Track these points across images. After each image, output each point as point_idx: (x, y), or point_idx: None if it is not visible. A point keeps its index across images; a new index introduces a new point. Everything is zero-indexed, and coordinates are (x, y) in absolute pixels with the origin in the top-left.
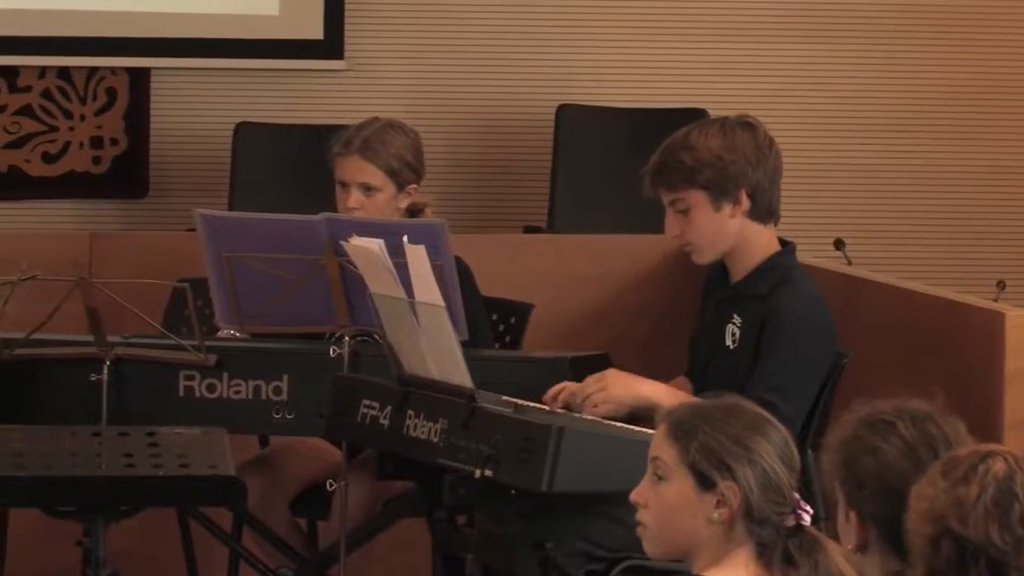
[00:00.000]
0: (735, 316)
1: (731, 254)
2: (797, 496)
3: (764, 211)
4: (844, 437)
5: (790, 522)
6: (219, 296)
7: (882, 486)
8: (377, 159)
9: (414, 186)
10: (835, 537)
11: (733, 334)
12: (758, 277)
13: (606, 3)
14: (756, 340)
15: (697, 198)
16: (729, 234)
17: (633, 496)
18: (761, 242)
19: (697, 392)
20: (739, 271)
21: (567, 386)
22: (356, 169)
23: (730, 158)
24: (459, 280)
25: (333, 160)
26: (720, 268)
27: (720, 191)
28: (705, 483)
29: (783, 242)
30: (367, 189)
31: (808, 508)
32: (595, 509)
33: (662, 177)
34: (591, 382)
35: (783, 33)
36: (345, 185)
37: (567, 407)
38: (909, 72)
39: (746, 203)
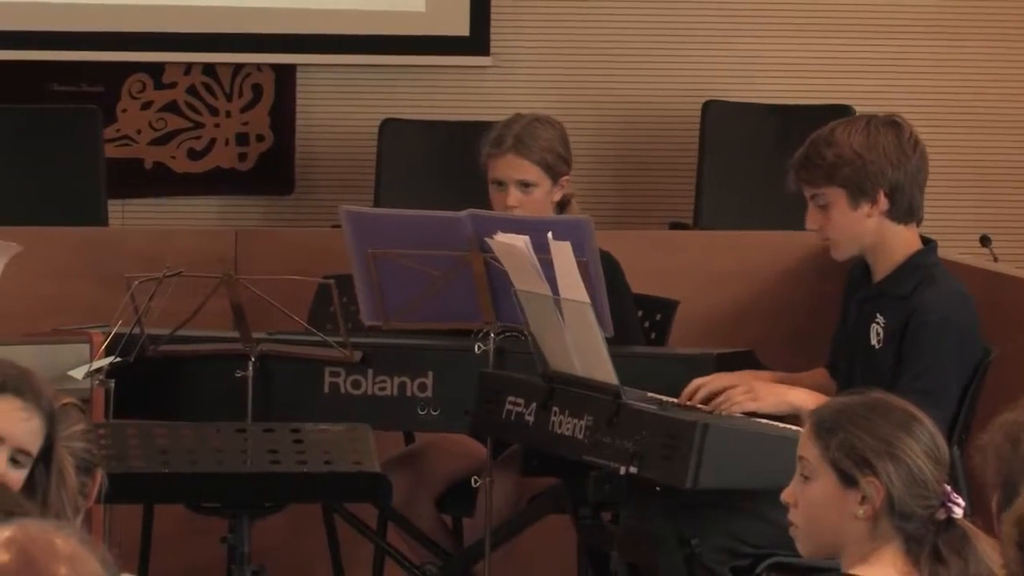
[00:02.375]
0: (878, 316)
1: (871, 253)
2: (948, 488)
3: (904, 211)
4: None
5: (940, 515)
6: (364, 292)
7: None
8: (531, 155)
9: (567, 177)
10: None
11: (877, 333)
12: (900, 276)
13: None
14: (900, 340)
15: (836, 195)
16: (866, 232)
17: (783, 496)
18: (902, 241)
19: (841, 390)
20: (881, 270)
21: (704, 384)
22: (512, 167)
23: (870, 157)
24: (608, 275)
25: (485, 160)
26: (863, 267)
27: (858, 190)
28: (847, 480)
29: (925, 240)
30: (524, 186)
31: (959, 500)
32: (740, 505)
33: (804, 172)
34: (739, 392)
35: (931, 29)
36: (501, 184)
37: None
38: None
39: (884, 203)
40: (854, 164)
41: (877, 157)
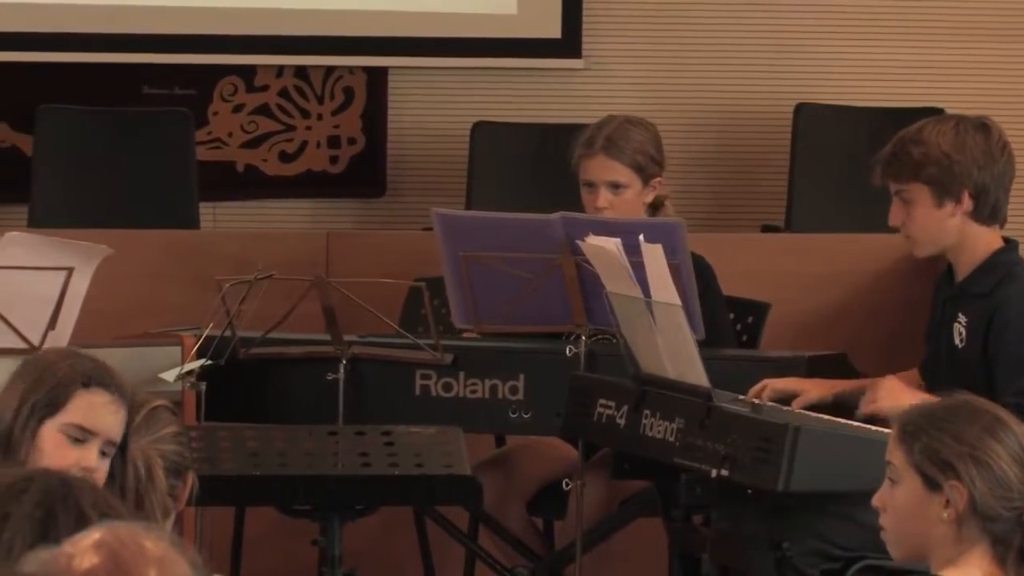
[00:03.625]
0: (960, 315)
1: (953, 253)
2: None
3: (987, 213)
4: None
5: None
6: (456, 295)
7: None
8: (622, 156)
9: (658, 179)
10: None
11: (960, 333)
12: (981, 275)
13: (845, 1)
14: (983, 339)
15: (920, 192)
16: (948, 232)
17: (874, 501)
18: (983, 242)
19: (930, 390)
20: (962, 270)
21: (769, 384)
22: (602, 168)
23: (957, 158)
24: (700, 278)
25: (576, 162)
26: (948, 267)
27: (943, 189)
28: (931, 484)
29: (1005, 240)
30: (615, 187)
31: None
32: (831, 508)
33: (890, 167)
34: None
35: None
36: (592, 185)
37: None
38: None
39: (968, 204)
40: (941, 163)
41: (964, 158)
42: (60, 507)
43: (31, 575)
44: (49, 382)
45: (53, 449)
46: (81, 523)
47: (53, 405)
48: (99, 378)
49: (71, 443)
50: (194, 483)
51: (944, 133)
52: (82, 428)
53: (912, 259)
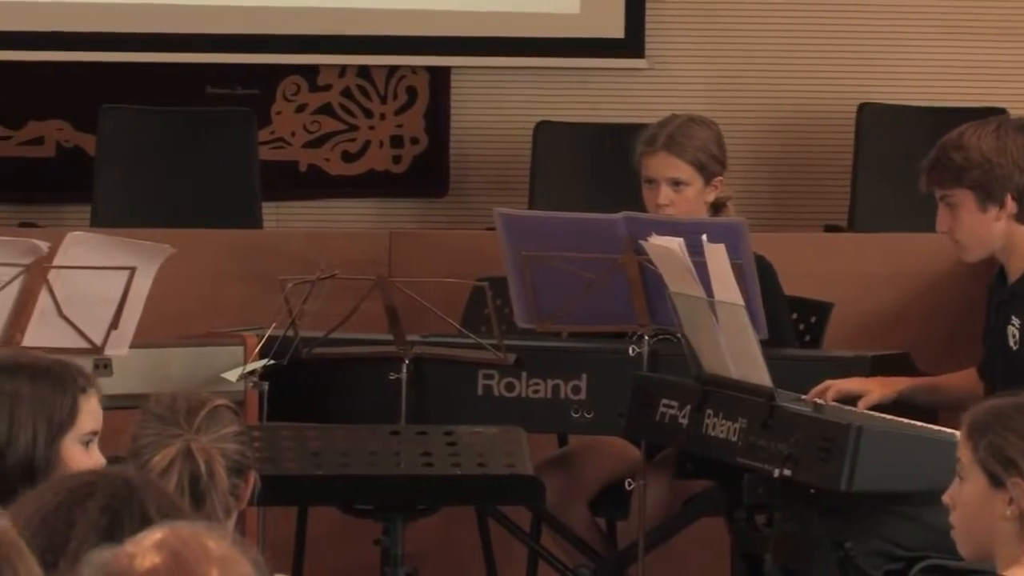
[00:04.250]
0: (1013, 317)
1: (1003, 255)
2: None
3: None
4: None
5: None
6: (518, 295)
7: None
8: (684, 153)
9: (720, 178)
10: None
11: (1014, 336)
12: None
13: (908, 1)
14: None
15: (964, 197)
16: (994, 235)
17: (944, 497)
18: None
19: (988, 391)
20: (1013, 272)
21: (833, 385)
22: (664, 165)
23: (998, 161)
24: (762, 278)
25: (638, 159)
26: (1000, 269)
27: (986, 193)
28: (995, 481)
29: None
30: (676, 184)
31: None
32: (894, 508)
33: (933, 173)
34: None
35: None
36: (653, 182)
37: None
38: None
39: (1012, 207)
40: (982, 167)
41: (1005, 161)
42: (125, 511)
43: (93, 575)
44: (58, 398)
45: (77, 460)
46: (146, 526)
47: (70, 419)
48: (87, 378)
49: (84, 448)
50: (256, 482)
51: (985, 137)
52: (93, 432)
53: None
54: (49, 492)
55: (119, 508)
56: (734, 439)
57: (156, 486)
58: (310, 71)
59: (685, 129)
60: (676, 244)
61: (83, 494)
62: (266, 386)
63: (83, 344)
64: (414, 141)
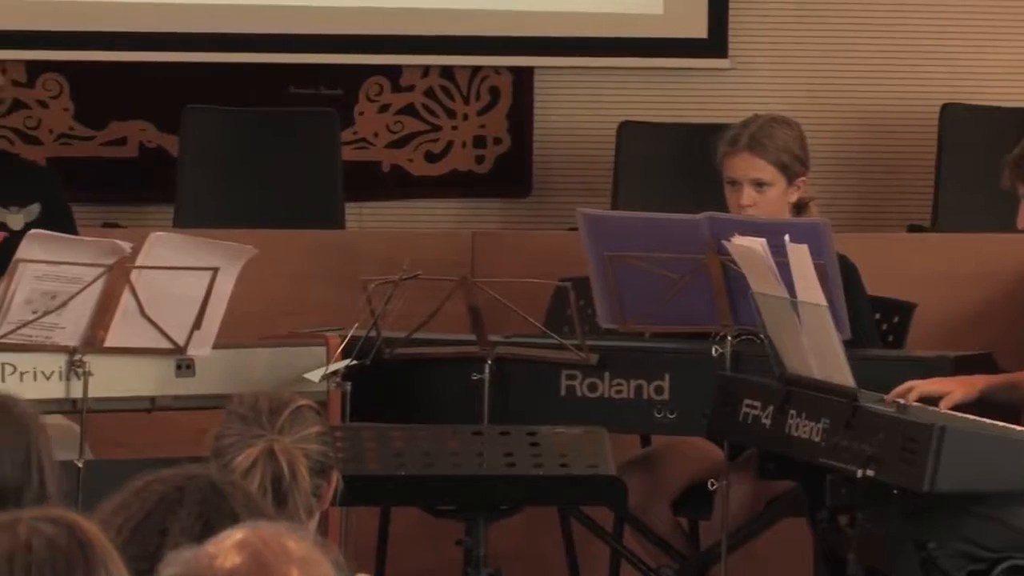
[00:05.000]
0: None
1: None
2: None
3: None
4: None
5: None
6: (601, 295)
7: None
8: (767, 154)
9: (803, 179)
10: None
11: None
12: None
13: (992, 2)
14: None
15: None
16: None
17: None
18: None
19: None
20: None
21: (916, 385)
22: (746, 166)
23: None
24: (845, 279)
25: (721, 159)
26: None
27: None
28: None
29: None
30: (759, 185)
31: None
32: (977, 509)
33: (1018, 168)
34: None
35: None
36: (735, 183)
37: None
38: None
39: None
40: None
41: None
42: (216, 516)
43: (175, 575)
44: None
45: None
46: None
47: None
48: None
49: None
50: (338, 483)
51: None
52: None
53: None
54: (136, 499)
55: (211, 514)
56: (817, 439)
57: (241, 488)
58: (393, 71)
59: (767, 129)
60: (759, 244)
61: (172, 500)
62: (349, 386)
63: (166, 344)
64: (497, 141)
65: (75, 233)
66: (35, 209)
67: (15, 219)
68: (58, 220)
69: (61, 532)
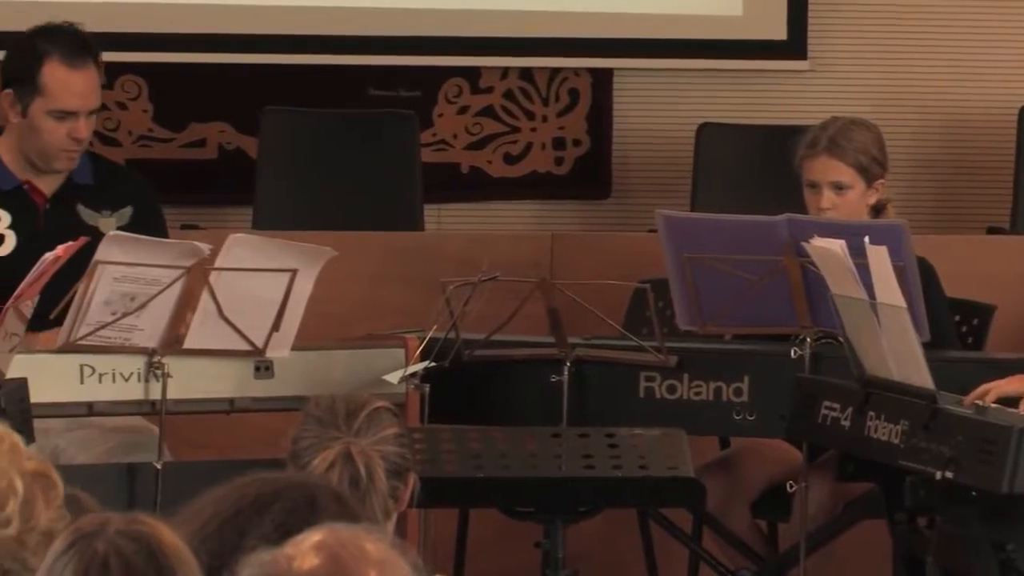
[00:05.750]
0: None
1: None
2: None
3: None
4: None
5: None
6: (680, 297)
7: None
8: (846, 156)
9: (882, 181)
10: None
11: None
12: None
13: None
14: None
15: None
16: None
17: None
18: None
19: None
20: None
21: (994, 387)
22: (826, 168)
23: None
24: (924, 280)
25: (800, 162)
26: None
27: None
28: None
29: None
30: (838, 188)
31: None
32: None
33: None
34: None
35: None
36: (815, 186)
37: None
38: None
39: None
40: None
41: None
42: (298, 527)
43: None
44: None
45: None
46: None
47: None
48: None
49: None
50: (415, 485)
51: None
52: None
53: None
54: (233, 495)
55: (294, 523)
56: (896, 441)
57: (339, 498)
58: (472, 73)
59: (847, 132)
60: (838, 246)
61: (263, 503)
62: (427, 388)
63: (244, 346)
64: (576, 143)
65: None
66: (127, 213)
67: (107, 223)
68: (150, 225)
69: (140, 551)
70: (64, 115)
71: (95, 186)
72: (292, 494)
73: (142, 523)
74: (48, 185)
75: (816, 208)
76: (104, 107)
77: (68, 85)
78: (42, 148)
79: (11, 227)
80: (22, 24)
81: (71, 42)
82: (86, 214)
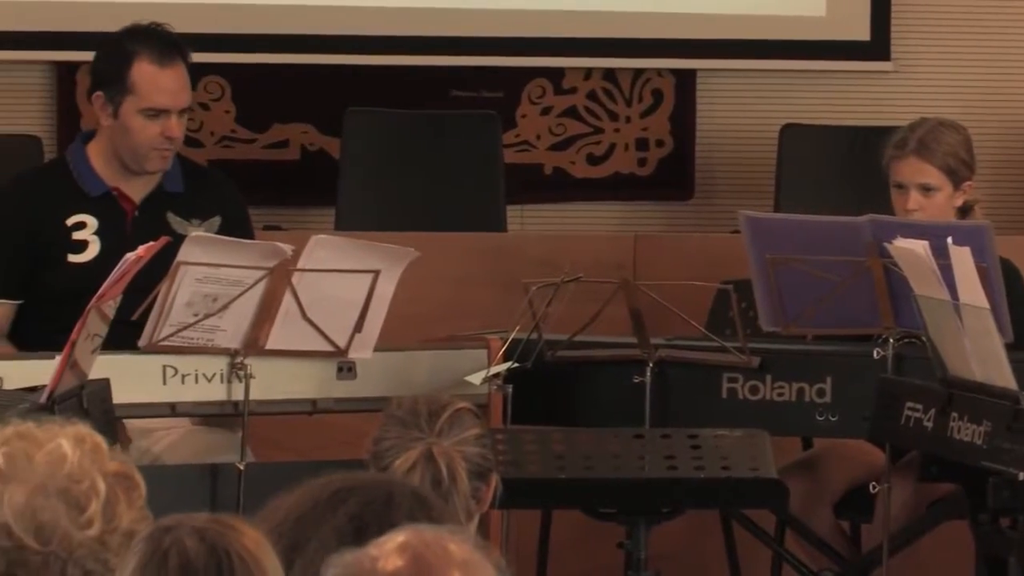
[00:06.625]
0: None
1: None
2: None
3: None
4: None
5: None
6: (763, 298)
7: None
8: (934, 158)
9: (969, 183)
10: None
11: None
12: None
13: None
14: None
15: None
16: None
17: None
18: None
19: None
20: None
21: None
22: (913, 170)
23: None
24: (1007, 281)
25: (887, 163)
26: None
27: None
28: None
29: None
30: (926, 189)
31: None
32: None
33: None
34: None
35: None
36: (902, 187)
37: None
38: None
39: None
40: None
41: None
42: (374, 524)
43: None
44: None
45: None
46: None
47: None
48: None
49: None
50: (497, 485)
51: None
52: None
53: None
54: (312, 490)
55: (369, 518)
56: (979, 442)
57: (418, 496)
58: (556, 74)
59: (935, 134)
60: (921, 247)
61: (340, 498)
62: (510, 389)
63: (327, 347)
64: (659, 144)
65: None
66: (215, 223)
67: (195, 232)
68: (236, 236)
69: (203, 550)
70: (155, 113)
71: (185, 194)
72: (369, 489)
73: (219, 523)
74: (137, 192)
75: (903, 209)
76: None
77: (158, 83)
78: (135, 149)
79: (97, 233)
80: (109, 26)
81: (159, 41)
82: (175, 222)
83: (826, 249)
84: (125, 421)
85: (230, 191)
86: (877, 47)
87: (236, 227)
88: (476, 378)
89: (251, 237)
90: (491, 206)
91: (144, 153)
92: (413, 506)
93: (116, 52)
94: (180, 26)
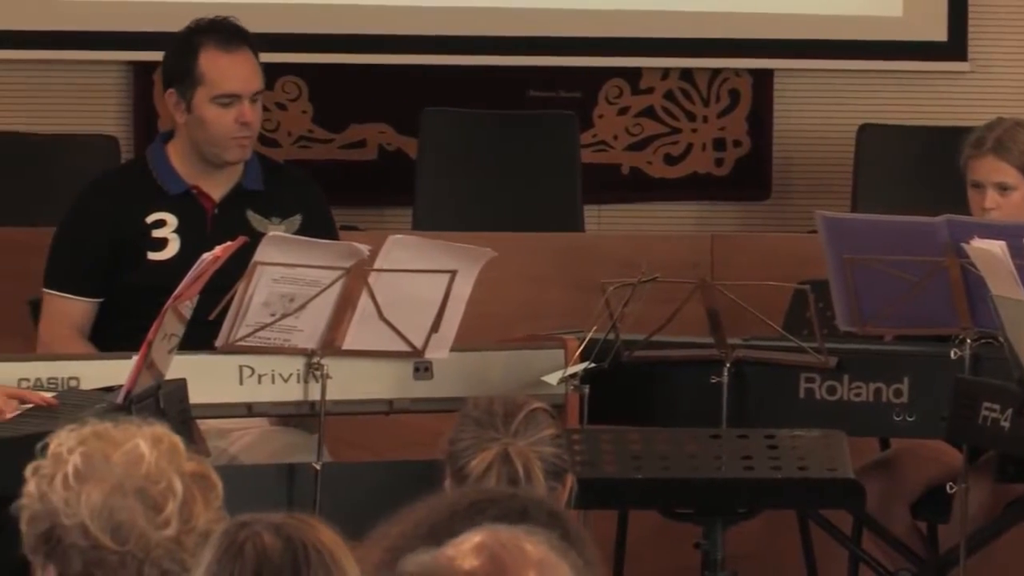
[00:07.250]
0: None
1: None
2: None
3: None
4: None
5: None
6: (840, 298)
7: None
8: (1011, 157)
9: None
10: None
11: None
12: None
13: None
14: None
15: None
16: None
17: None
18: None
19: None
20: None
21: None
22: (990, 169)
23: None
24: None
25: (964, 163)
26: None
27: None
28: None
29: None
30: (1003, 189)
31: None
32: None
33: None
34: None
35: None
36: (979, 186)
37: None
38: None
39: None
40: None
41: None
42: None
43: (413, 575)
44: None
45: None
46: None
47: None
48: None
49: None
50: (573, 486)
51: None
52: None
53: None
54: (448, 501)
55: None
56: None
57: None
58: (633, 74)
59: (1013, 133)
60: (998, 247)
61: (478, 509)
62: (587, 389)
63: (403, 347)
64: (736, 144)
65: None
66: (296, 221)
67: (275, 230)
68: (319, 235)
69: (280, 545)
70: (228, 100)
71: (265, 192)
72: (506, 503)
73: (296, 519)
74: (217, 190)
75: (980, 208)
76: (264, 108)
77: (225, 69)
78: (212, 140)
79: (176, 231)
80: (180, 26)
81: (223, 29)
82: (256, 220)
83: (903, 249)
84: (201, 422)
85: (312, 189)
86: (954, 47)
87: (319, 225)
88: (553, 378)
89: (335, 235)
90: (568, 206)
91: (223, 143)
92: (548, 522)
93: (182, 47)
94: (256, 26)
